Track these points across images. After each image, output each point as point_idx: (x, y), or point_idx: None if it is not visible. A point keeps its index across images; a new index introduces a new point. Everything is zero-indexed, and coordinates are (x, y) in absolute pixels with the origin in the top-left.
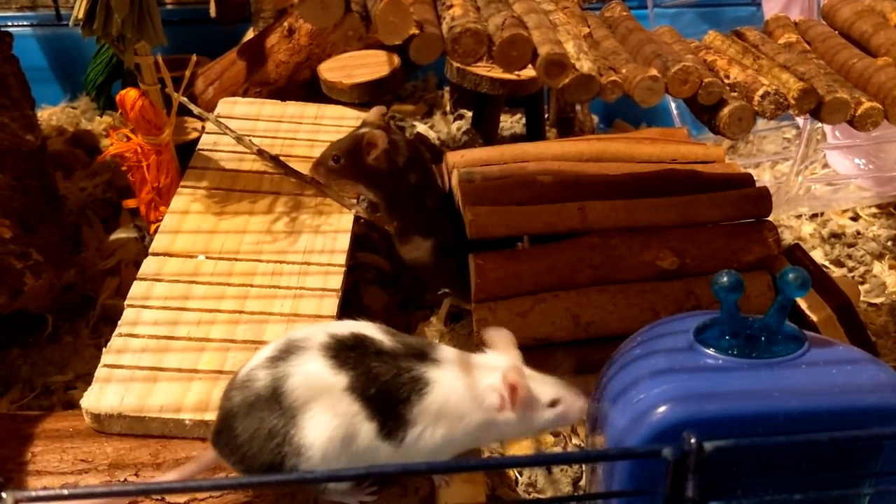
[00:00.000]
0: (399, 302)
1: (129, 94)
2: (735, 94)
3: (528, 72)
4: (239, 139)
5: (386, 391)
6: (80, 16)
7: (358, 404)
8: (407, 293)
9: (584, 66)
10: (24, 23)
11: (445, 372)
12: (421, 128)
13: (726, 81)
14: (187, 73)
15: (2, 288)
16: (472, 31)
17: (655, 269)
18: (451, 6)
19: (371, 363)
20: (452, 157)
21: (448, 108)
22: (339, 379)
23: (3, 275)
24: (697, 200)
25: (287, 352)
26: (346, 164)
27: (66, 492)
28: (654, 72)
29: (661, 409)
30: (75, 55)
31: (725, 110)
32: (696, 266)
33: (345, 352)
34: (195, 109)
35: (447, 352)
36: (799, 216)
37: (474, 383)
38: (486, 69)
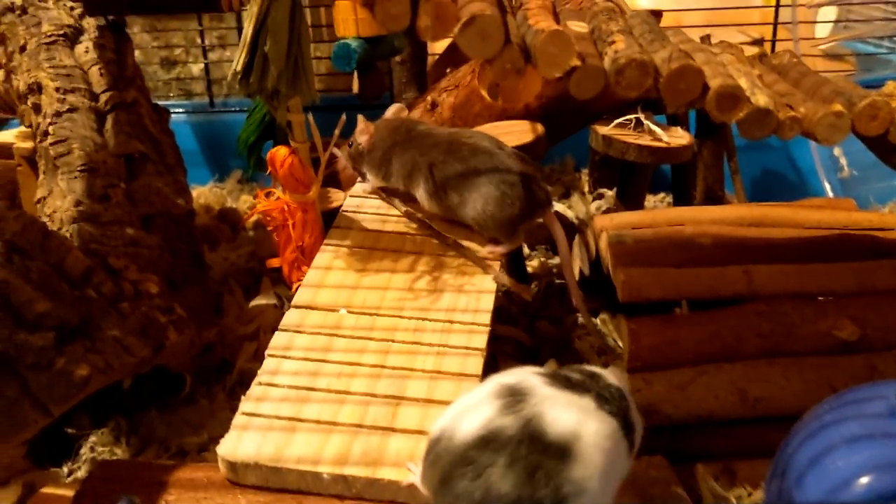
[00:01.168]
0: None
1: (280, 152)
2: None
3: (678, 139)
4: (388, 200)
5: (618, 408)
6: (239, 69)
7: (614, 420)
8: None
9: (761, 100)
10: (180, 109)
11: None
12: (559, 207)
13: None
14: (336, 131)
15: (146, 341)
16: (637, 61)
17: (832, 339)
18: (613, 42)
19: (589, 385)
20: (601, 222)
21: (587, 189)
22: (588, 401)
23: (148, 328)
24: (878, 266)
25: (514, 396)
26: (354, 150)
27: None
28: (838, 107)
29: (866, 478)
30: (223, 139)
31: None
32: (880, 338)
33: (567, 382)
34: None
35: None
36: None
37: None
38: (634, 137)
